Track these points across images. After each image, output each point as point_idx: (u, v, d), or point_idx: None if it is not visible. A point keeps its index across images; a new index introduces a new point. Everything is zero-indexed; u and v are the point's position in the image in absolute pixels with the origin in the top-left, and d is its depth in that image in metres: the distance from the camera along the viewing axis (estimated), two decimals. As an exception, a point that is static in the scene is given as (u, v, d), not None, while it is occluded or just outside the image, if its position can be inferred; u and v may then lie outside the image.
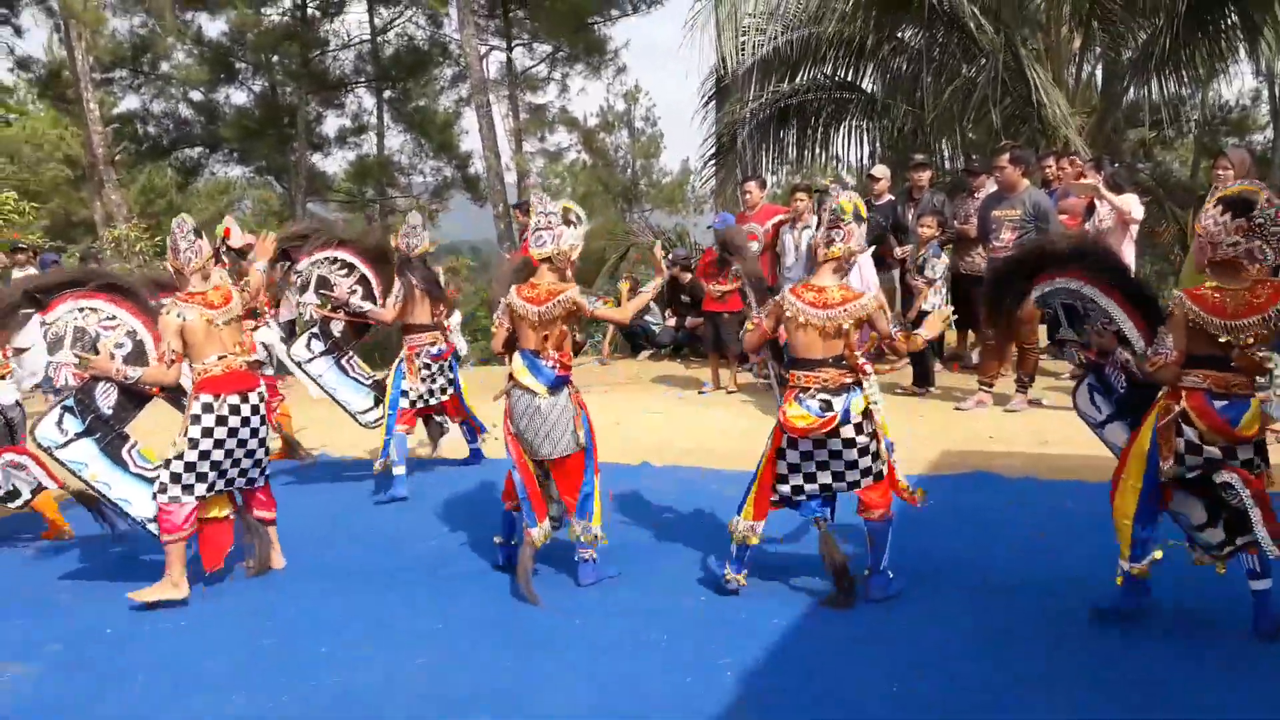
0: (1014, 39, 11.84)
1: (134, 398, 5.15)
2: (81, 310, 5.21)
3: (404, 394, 6.77)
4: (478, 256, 27.32)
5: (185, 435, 4.84)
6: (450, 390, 7.05)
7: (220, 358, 4.90)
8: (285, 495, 6.47)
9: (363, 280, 6.94)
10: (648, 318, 12.90)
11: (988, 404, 8.15)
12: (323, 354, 7.00)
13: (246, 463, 5.07)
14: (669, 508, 6.08)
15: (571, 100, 27.76)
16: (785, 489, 4.53)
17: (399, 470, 6.66)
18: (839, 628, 4.26)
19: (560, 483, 4.92)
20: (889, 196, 9.85)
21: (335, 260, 6.90)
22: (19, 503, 5.86)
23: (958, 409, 8.19)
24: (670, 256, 13.28)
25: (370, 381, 7.13)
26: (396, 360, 6.90)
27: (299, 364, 6.92)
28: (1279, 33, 11.34)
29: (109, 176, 22.18)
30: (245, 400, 4.95)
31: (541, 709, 3.70)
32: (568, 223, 4.86)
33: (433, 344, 6.88)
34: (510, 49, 26.55)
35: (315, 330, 6.99)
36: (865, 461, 4.40)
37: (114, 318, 5.25)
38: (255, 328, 6.93)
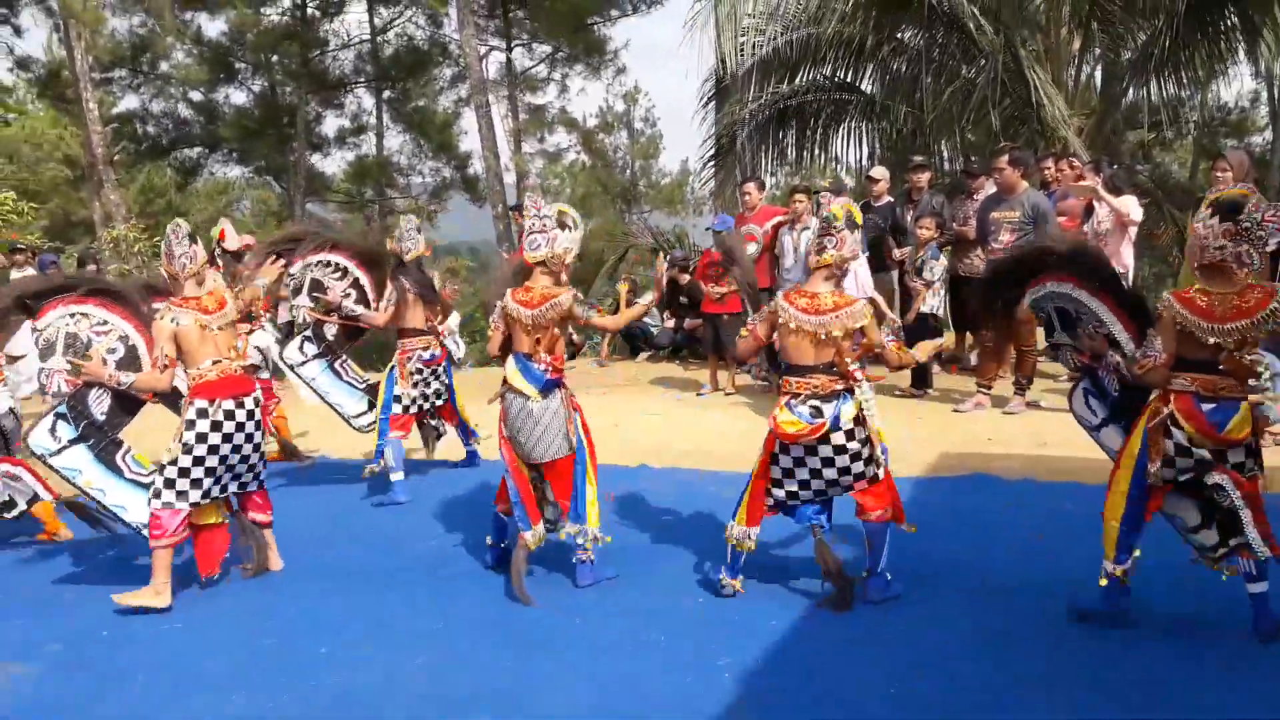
0: (1013, 40, 11.85)
1: (127, 403, 5.12)
2: (73, 316, 5.19)
3: (397, 399, 6.73)
4: (476, 257, 27.34)
5: (180, 441, 4.80)
6: (445, 396, 7.04)
7: (215, 362, 4.87)
8: (285, 496, 6.48)
9: (356, 284, 6.93)
10: (646, 319, 12.89)
11: (986, 406, 8.15)
12: (316, 357, 6.97)
13: (241, 468, 5.03)
14: (667, 509, 6.08)
15: (571, 101, 27.87)
16: (780, 494, 4.53)
17: (397, 476, 6.64)
18: (838, 629, 4.27)
19: (554, 485, 4.93)
20: (888, 198, 9.85)
21: (329, 263, 6.89)
22: (14, 513, 5.85)
23: (956, 411, 8.19)
24: (669, 258, 13.30)
25: (364, 385, 7.10)
26: (389, 364, 6.88)
27: (292, 367, 6.90)
28: (1278, 34, 11.36)
29: (108, 176, 22.17)
30: (240, 405, 4.90)
31: (541, 709, 3.70)
32: (563, 226, 4.84)
33: (425, 349, 6.83)
34: (510, 49, 26.60)
35: (308, 333, 6.97)
36: (858, 467, 4.40)
37: (106, 323, 5.22)
38: (250, 331, 6.93)
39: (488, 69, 25.13)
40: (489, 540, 5.25)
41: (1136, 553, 4.04)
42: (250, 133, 27.66)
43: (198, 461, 4.80)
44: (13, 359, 5.23)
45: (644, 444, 7.80)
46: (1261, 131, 23.51)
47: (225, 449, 4.87)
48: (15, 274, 11.95)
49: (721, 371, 9.87)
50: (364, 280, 6.95)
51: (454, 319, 10.50)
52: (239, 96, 28.65)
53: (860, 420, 4.36)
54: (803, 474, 4.44)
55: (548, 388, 4.78)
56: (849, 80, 14.02)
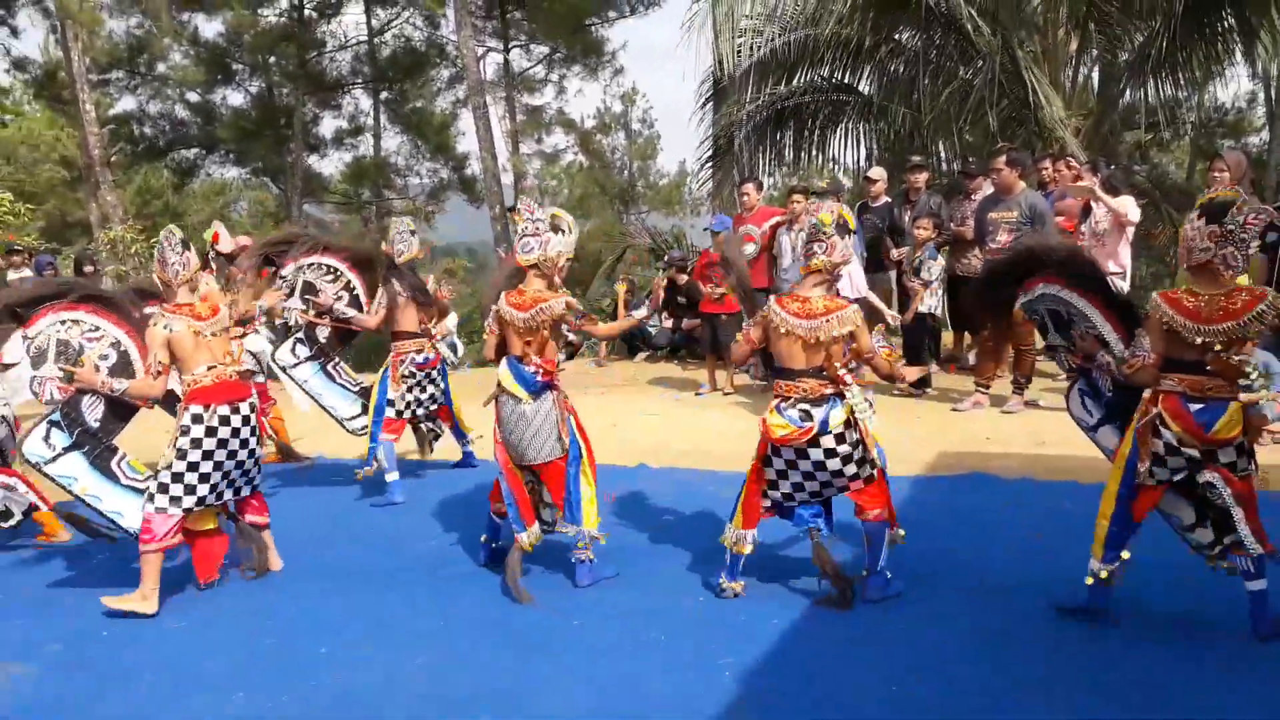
0: (1011, 41, 11.86)
1: (121, 410, 5.09)
2: (64, 323, 5.15)
3: (390, 403, 6.68)
4: (474, 258, 27.33)
5: (174, 446, 4.77)
6: (440, 401, 6.99)
7: (210, 368, 4.84)
8: (284, 497, 6.50)
9: (349, 287, 6.92)
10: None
11: (984, 405, 8.17)
12: (308, 359, 6.95)
13: (237, 474, 4.98)
14: (666, 509, 6.09)
15: (568, 101, 27.94)
16: (776, 494, 4.55)
17: (392, 476, 6.63)
18: (837, 629, 4.27)
19: (549, 487, 4.95)
20: (886, 198, 9.88)
21: (322, 266, 6.87)
22: (12, 522, 5.83)
23: (955, 410, 8.20)
24: (666, 258, 13.32)
25: (357, 388, 7.08)
26: (383, 367, 6.87)
27: (284, 369, 6.89)
28: (1275, 35, 11.40)
29: (105, 177, 22.16)
30: (236, 411, 4.87)
31: (541, 709, 3.70)
32: (556, 230, 4.84)
33: (419, 352, 6.76)
34: (507, 50, 26.63)
35: (300, 336, 6.94)
36: (851, 469, 4.41)
37: (97, 329, 5.18)
38: (243, 334, 6.91)
39: (485, 70, 25.20)
40: (483, 538, 5.29)
41: (1125, 555, 4.06)
42: (247, 134, 27.66)
43: (192, 467, 4.78)
44: (4, 367, 5.20)
45: (642, 444, 7.81)
46: (1258, 132, 23.55)
47: (220, 455, 4.84)
48: (12, 275, 11.94)
49: (720, 371, 9.88)
50: (356, 283, 6.94)
51: (451, 319, 10.48)
52: (236, 98, 28.73)
53: (851, 424, 4.36)
54: (795, 476, 4.45)
55: (539, 390, 4.79)
56: (847, 81, 14.02)
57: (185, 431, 4.77)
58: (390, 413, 6.68)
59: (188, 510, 4.83)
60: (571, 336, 5.01)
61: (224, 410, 4.83)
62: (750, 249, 9.19)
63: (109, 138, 23.41)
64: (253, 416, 4.98)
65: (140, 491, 4.91)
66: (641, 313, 5.28)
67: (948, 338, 10.48)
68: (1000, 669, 3.84)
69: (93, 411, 5.00)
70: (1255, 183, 8.78)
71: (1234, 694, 3.55)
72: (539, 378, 4.78)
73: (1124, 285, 7.98)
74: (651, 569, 5.09)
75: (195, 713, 3.80)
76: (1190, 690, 3.59)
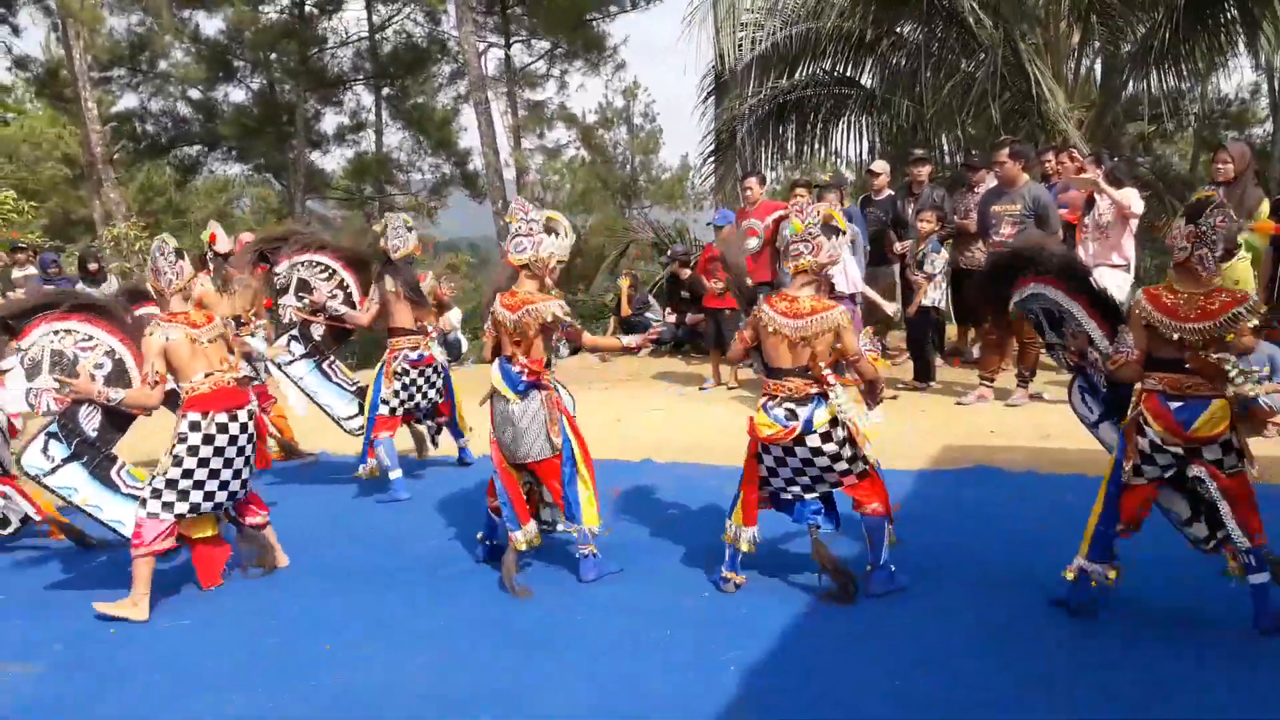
0: (1013, 33, 11.83)
1: (118, 419, 5.05)
2: (57, 333, 5.12)
3: (385, 401, 6.63)
4: (477, 253, 27.30)
5: (171, 454, 4.75)
6: (438, 399, 6.93)
7: (207, 375, 4.82)
8: (285, 496, 6.49)
9: (343, 285, 6.90)
10: (648, 314, 12.90)
11: (989, 398, 8.14)
12: (303, 357, 6.93)
13: (233, 481, 4.94)
14: (670, 505, 6.08)
15: (570, 96, 27.80)
16: (771, 488, 4.58)
17: (395, 474, 6.61)
18: (840, 624, 4.25)
19: (547, 486, 4.95)
20: (889, 192, 9.84)
21: (316, 264, 6.85)
22: (9, 530, 5.83)
23: (959, 404, 8.19)
24: (670, 252, 13.32)
25: (354, 388, 7.06)
26: (378, 365, 6.84)
27: (279, 366, 6.87)
28: (1278, 26, 11.33)
29: (107, 175, 22.15)
30: (234, 419, 4.84)
31: (541, 709, 3.68)
32: (550, 232, 4.85)
33: (414, 349, 6.71)
34: (509, 45, 26.54)
35: (295, 333, 6.92)
36: (841, 465, 4.41)
37: (91, 338, 5.15)
38: (237, 335, 6.88)
39: (487, 65, 25.12)
40: (479, 536, 5.29)
41: (1114, 574, 4.07)
42: (249, 130, 27.62)
43: (187, 474, 4.75)
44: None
45: (646, 439, 7.79)
46: (1262, 123, 23.43)
47: (216, 463, 4.81)
48: (17, 273, 11.96)
49: (724, 366, 9.86)
50: (350, 281, 6.92)
51: (455, 315, 10.45)
52: (238, 94, 28.64)
53: (836, 422, 4.36)
54: (786, 472, 4.49)
55: (525, 390, 4.80)
56: (849, 75, 14.01)
57: (182, 439, 4.75)
58: (384, 410, 6.64)
59: (180, 516, 4.80)
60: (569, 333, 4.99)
61: (222, 418, 4.80)
62: (753, 243, 9.14)
63: (111, 135, 23.38)
64: (250, 424, 4.95)
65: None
66: (633, 340, 5.27)
67: (952, 331, 10.45)
68: (1004, 664, 3.82)
69: (90, 421, 4.96)
70: (1259, 174, 8.74)
71: (1235, 692, 3.53)
72: (524, 378, 4.79)
73: (1129, 277, 7.95)
74: (654, 565, 5.07)
75: (195, 713, 3.78)
76: (1192, 688, 3.56)
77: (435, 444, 7.43)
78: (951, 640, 4.04)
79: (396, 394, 6.66)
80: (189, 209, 28.18)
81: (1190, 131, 20.73)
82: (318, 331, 6.95)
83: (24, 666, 4.25)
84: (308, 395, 6.92)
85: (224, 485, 4.90)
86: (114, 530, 4.97)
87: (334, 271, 6.87)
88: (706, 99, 14.88)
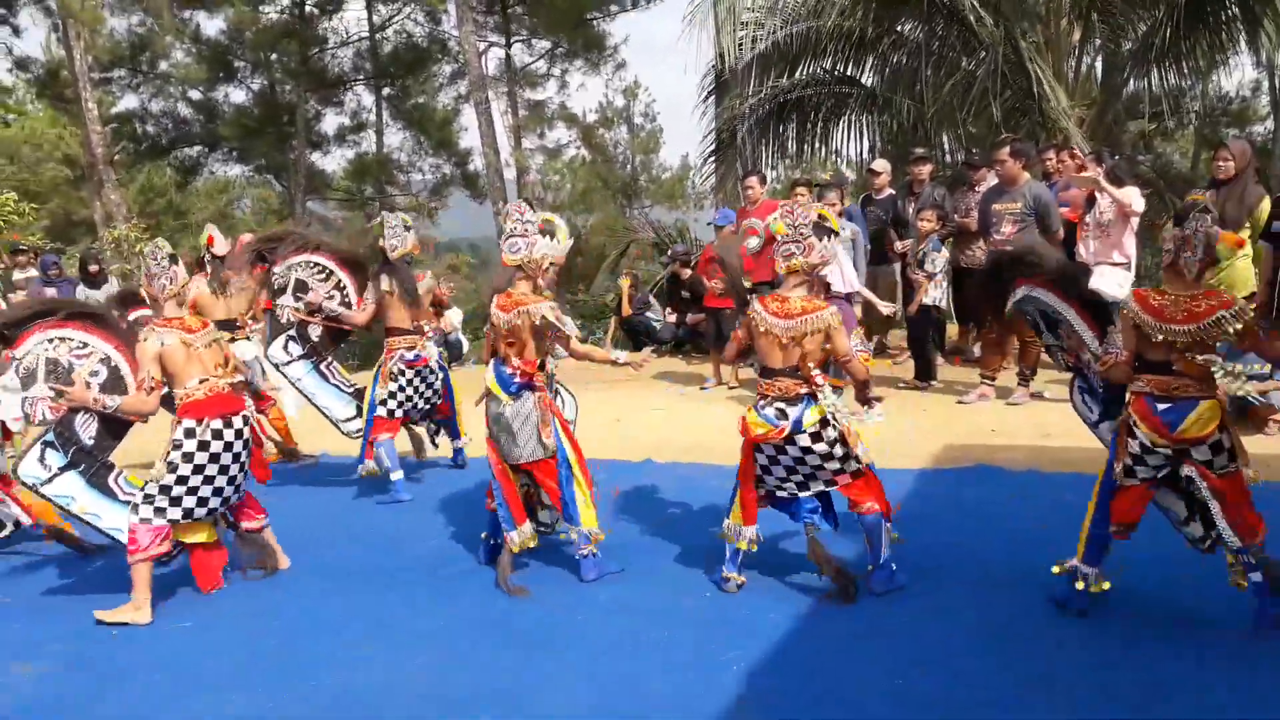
0: (1014, 32, 11.82)
1: (115, 426, 5.03)
2: (51, 341, 5.08)
3: (382, 402, 6.61)
4: (477, 253, 27.33)
5: (165, 460, 4.74)
6: (437, 400, 6.91)
7: (202, 381, 4.80)
8: (285, 496, 6.47)
9: (340, 286, 6.89)
10: (649, 314, 12.90)
11: (990, 397, 8.14)
12: (301, 358, 6.92)
13: (227, 487, 4.93)
14: (671, 505, 6.07)
15: (570, 96, 27.73)
16: (766, 485, 4.60)
17: (396, 475, 6.60)
18: (840, 624, 4.25)
19: (544, 487, 4.96)
20: (889, 191, 9.85)
21: (314, 264, 6.84)
22: (3, 534, 5.81)
23: (960, 402, 8.18)
24: (670, 252, 13.32)
25: (352, 389, 7.04)
26: (376, 366, 6.82)
27: (277, 366, 6.85)
28: (1279, 24, 11.32)
29: (108, 176, 22.13)
30: (229, 425, 4.82)
31: (542, 709, 3.68)
32: (544, 233, 4.86)
33: (410, 349, 6.68)
34: (509, 45, 26.51)
35: (292, 334, 6.90)
36: (833, 464, 4.42)
37: (85, 345, 5.11)
38: (232, 339, 6.86)
39: (487, 65, 25.08)
40: (484, 535, 5.28)
41: (1106, 585, 4.09)
42: (250, 131, 27.60)
43: (181, 481, 4.74)
44: None
45: (647, 439, 7.79)
46: (1263, 121, 23.43)
47: (212, 469, 4.79)
48: (18, 274, 11.97)
49: (725, 365, 9.85)
50: (347, 282, 6.91)
51: (456, 316, 10.43)
52: (238, 95, 28.61)
53: (826, 423, 4.37)
54: (778, 471, 4.51)
55: (517, 391, 4.82)
56: (849, 73, 13.99)
57: (177, 445, 4.73)
58: (382, 411, 6.61)
59: (173, 521, 4.79)
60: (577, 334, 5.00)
61: (217, 424, 4.79)
62: (754, 242, 9.14)
63: (112, 136, 23.37)
64: (246, 429, 4.93)
65: None
66: (621, 356, 5.28)
67: (953, 330, 10.45)
68: (1004, 664, 3.82)
69: (86, 429, 4.94)
70: (1260, 171, 8.73)
71: (1235, 691, 3.52)
72: (517, 379, 4.80)
73: (1129, 275, 7.93)
74: (654, 565, 5.07)
75: (195, 713, 3.78)
76: (1192, 688, 3.56)
77: (435, 444, 7.42)
78: (952, 640, 4.03)
79: (393, 395, 6.63)
80: (190, 210, 28.17)
81: (1191, 129, 20.76)
82: (315, 332, 6.93)
83: (24, 666, 4.25)
84: (306, 397, 6.91)
85: (218, 491, 4.89)
86: (112, 538, 4.96)
87: (331, 272, 6.86)
88: (707, 98, 14.86)
